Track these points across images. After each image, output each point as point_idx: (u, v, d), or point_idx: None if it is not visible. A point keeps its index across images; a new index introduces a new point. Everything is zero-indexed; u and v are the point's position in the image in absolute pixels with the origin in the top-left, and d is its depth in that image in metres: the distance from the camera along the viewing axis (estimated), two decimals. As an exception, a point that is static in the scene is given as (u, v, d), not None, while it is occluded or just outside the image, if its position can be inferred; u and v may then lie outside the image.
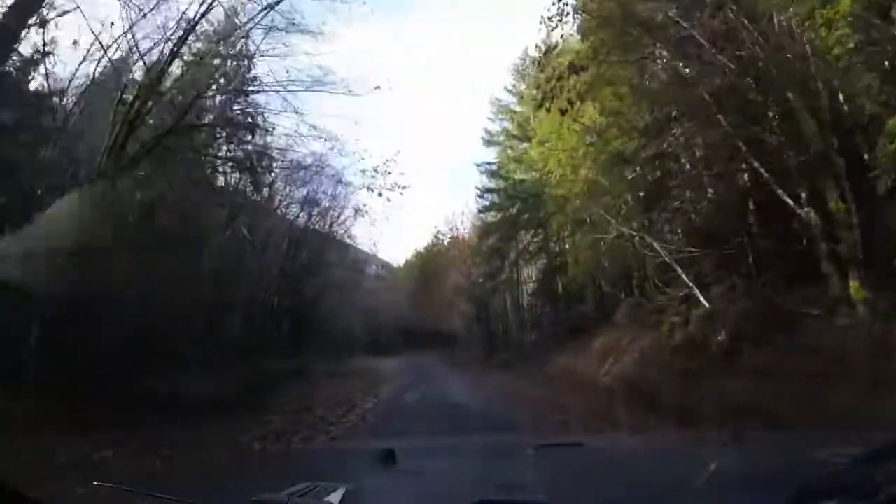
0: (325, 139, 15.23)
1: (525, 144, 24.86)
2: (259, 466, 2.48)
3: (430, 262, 33.83)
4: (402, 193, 16.96)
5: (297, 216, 27.41)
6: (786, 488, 1.13)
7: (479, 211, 26.03)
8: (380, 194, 17.17)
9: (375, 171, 16.43)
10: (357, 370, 20.46)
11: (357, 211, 27.55)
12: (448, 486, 1.63)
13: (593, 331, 18.51)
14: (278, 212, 25.92)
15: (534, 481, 1.61)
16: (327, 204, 26.83)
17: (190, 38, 12.37)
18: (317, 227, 28.41)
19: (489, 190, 25.35)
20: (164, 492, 1.38)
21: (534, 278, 27.06)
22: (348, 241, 31.63)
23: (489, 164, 25.53)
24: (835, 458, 1.37)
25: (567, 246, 20.94)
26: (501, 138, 26.03)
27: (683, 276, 13.93)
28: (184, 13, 11.84)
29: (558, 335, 20.83)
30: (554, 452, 2.05)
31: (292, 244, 27.01)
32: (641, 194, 14.33)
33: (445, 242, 32.51)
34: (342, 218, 28.50)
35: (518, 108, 26.34)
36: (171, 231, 16.17)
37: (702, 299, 13.48)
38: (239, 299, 23.16)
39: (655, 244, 14.42)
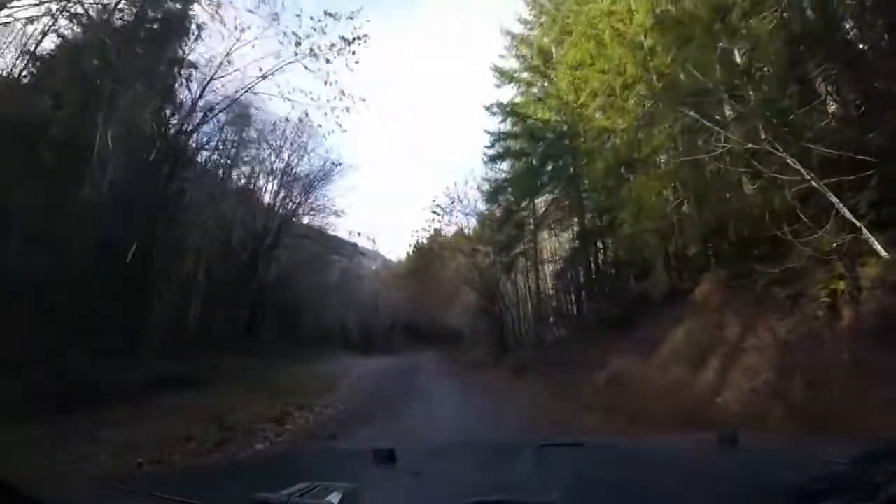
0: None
1: (545, 85, 18.20)
2: (259, 466, 2.26)
3: (431, 252, 27.06)
4: (355, 59, 11.27)
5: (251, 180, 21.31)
6: (786, 488, 1.15)
7: (488, 160, 19.34)
8: (328, 61, 12.77)
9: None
10: (313, 374, 13.98)
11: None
12: (448, 486, 1.57)
13: (658, 320, 11.95)
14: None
15: (534, 481, 1.59)
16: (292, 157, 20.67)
17: None
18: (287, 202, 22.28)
19: (503, 136, 18.55)
20: (163, 492, 1.34)
21: (559, 255, 20.32)
22: (343, 235, 28.12)
23: (502, 105, 18.74)
24: (835, 458, 1.29)
25: (608, 200, 14.26)
26: (518, 73, 19.27)
27: (846, 212, 7.66)
28: None
29: (599, 328, 14.33)
30: (554, 452, 1.90)
31: (250, 215, 20.58)
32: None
33: (445, 220, 25.65)
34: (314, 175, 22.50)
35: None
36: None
37: (878, 248, 7.39)
38: (170, 275, 16.81)
39: (790, 160, 8.15)
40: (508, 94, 20.12)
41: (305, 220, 26.95)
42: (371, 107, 56.22)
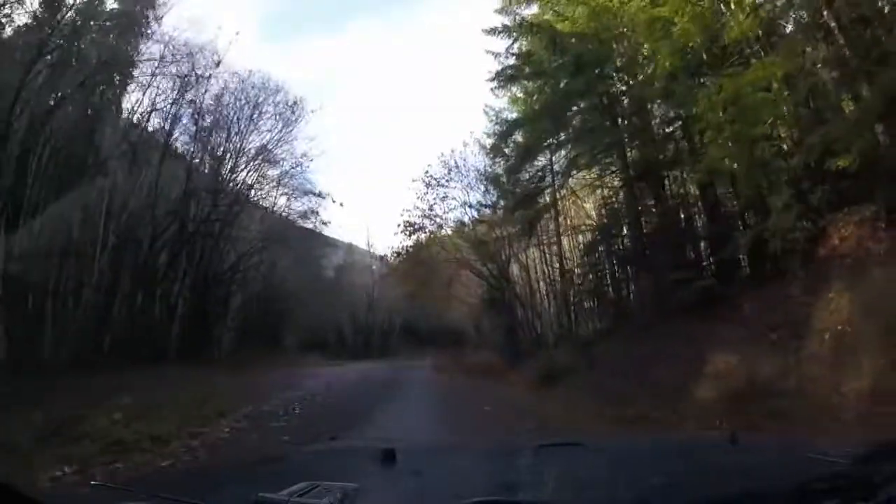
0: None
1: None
2: (259, 466, 2.15)
3: (424, 233, 22.26)
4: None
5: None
6: (786, 488, 1.14)
7: (497, 86, 14.45)
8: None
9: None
10: (221, 396, 8.74)
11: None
12: (448, 486, 1.54)
13: (778, 289, 7.32)
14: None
15: (534, 481, 1.56)
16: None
17: None
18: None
19: (516, 63, 13.53)
20: (164, 492, 1.31)
21: (587, 224, 15.45)
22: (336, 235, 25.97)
23: (510, 27, 13.90)
24: (835, 458, 1.29)
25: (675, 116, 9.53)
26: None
27: None
28: None
29: (664, 311, 9.73)
30: (554, 452, 1.87)
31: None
32: None
33: (441, 194, 20.86)
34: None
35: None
36: None
37: None
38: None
39: None
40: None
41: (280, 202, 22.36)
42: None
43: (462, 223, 20.60)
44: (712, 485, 1.38)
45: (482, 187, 19.43)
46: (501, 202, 17.09)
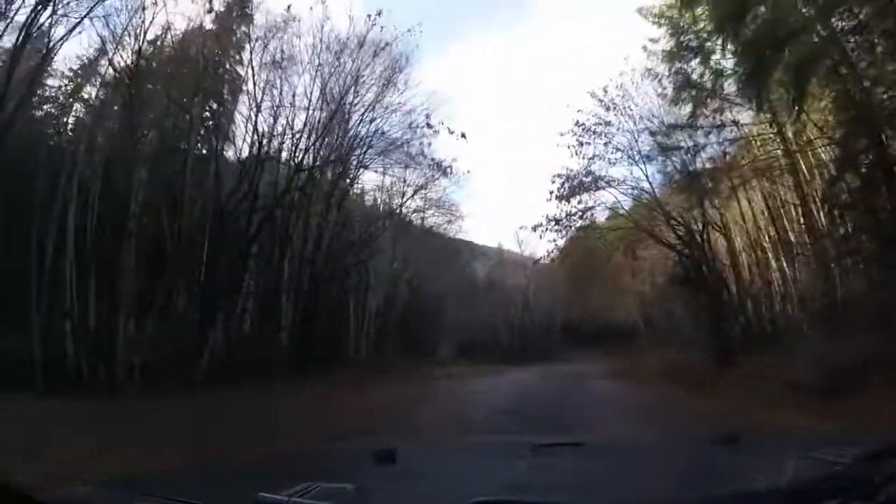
0: None
1: None
2: (259, 466, 2.18)
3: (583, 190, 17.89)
4: None
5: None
6: (786, 488, 1.16)
7: None
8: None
9: None
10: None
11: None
12: (448, 486, 1.57)
13: None
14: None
15: (534, 481, 1.59)
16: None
17: None
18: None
19: None
20: (164, 492, 1.36)
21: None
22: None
23: None
24: (835, 458, 1.28)
25: None
26: None
27: None
28: None
29: None
30: (554, 452, 1.92)
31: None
32: None
33: (599, 147, 16.37)
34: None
35: None
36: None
37: None
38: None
39: None
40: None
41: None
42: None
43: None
44: (712, 485, 1.38)
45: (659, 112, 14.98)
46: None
